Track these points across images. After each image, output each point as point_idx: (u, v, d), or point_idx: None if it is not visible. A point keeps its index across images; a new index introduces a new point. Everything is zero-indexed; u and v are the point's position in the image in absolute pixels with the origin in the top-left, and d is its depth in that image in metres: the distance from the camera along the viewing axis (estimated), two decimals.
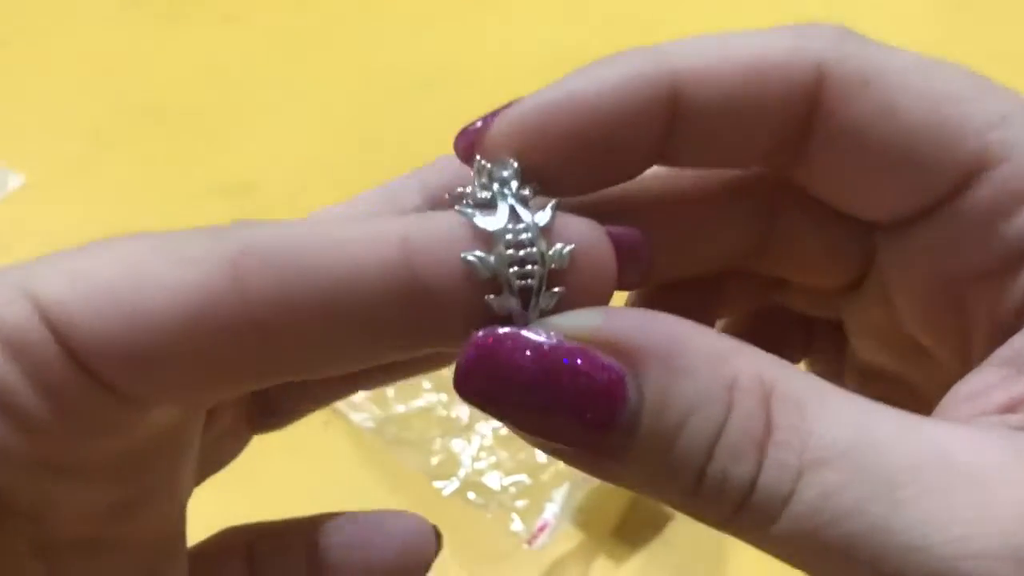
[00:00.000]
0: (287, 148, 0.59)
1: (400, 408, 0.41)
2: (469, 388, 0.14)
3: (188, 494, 0.20)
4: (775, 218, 0.19)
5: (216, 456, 0.21)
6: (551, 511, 0.37)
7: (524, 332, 0.14)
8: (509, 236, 0.15)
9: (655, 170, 0.18)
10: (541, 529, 0.37)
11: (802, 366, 0.22)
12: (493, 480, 0.38)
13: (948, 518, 0.13)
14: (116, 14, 0.71)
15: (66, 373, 0.14)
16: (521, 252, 0.15)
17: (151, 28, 0.71)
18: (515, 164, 0.16)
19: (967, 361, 0.17)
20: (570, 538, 0.37)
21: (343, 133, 0.60)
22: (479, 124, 0.17)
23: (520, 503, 0.38)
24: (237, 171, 0.56)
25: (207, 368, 0.15)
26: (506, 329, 0.14)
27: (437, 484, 0.38)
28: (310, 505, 0.31)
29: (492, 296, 0.15)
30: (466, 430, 0.40)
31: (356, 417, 0.41)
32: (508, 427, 0.15)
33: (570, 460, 0.15)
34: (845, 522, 0.13)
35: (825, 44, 0.16)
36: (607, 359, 0.14)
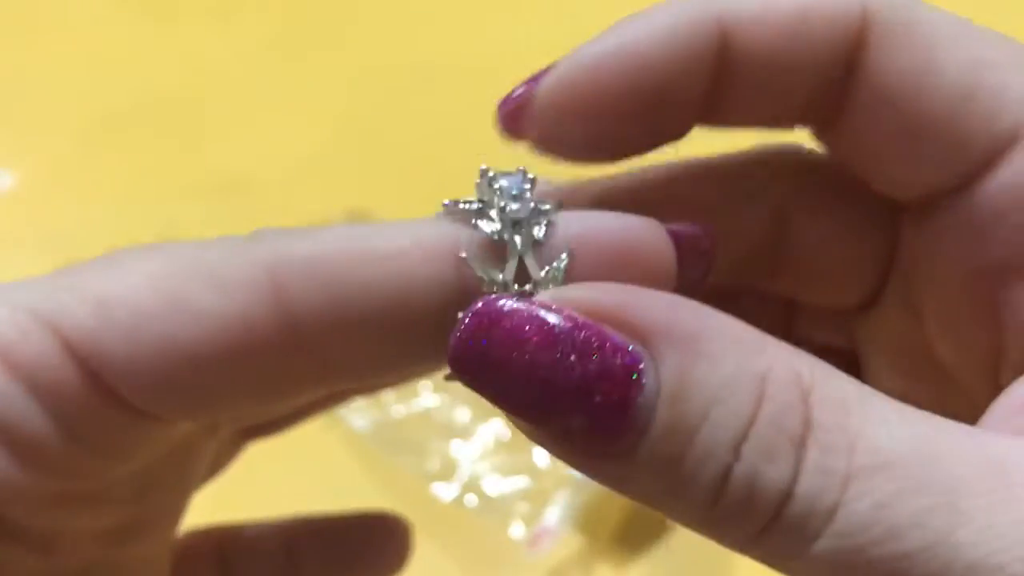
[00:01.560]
0: (281, 146, 0.59)
1: (398, 411, 0.41)
2: (462, 364, 0.13)
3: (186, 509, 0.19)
4: (786, 225, 0.17)
5: (211, 466, 0.20)
6: (552, 516, 0.37)
7: (529, 303, 0.12)
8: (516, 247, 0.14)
9: (657, 172, 0.18)
10: (542, 534, 0.37)
11: None
12: (493, 484, 0.38)
13: (1019, 534, 0.11)
14: (107, 12, 0.71)
15: (92, 408, 0.14)
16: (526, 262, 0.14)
17: (142, 26, 0.70)
18: (526, 173, 0.15)
19: (994, 377, 0.15)
20: (571, 543, 0.37)
21: (338, 131, 0.60)
22: (522, 89, 0.16)
23: (520, 507, 0.37)
24: (230, 169, 0.56)
25: (245, 391, 0.14)
26: (510, 300, 0.13)
27: (436, 488, 0.38)
28: (305, 510, 0.30)
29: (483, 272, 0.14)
30: (465, 433, 0.40)
31: (353, 420, 0.40)
32: (504, 413, 0.13)
33: (572, 459, 0.13)
34: (903, 538, 0.11)
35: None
36: (622, 338, 0.12)
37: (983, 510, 0.11)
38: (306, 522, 0.21)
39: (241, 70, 0.65)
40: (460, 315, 0.13)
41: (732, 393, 0.12)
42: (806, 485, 0.12)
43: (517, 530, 0.37)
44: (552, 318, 0.12)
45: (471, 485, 0.38)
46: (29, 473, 0.14)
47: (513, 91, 0.16)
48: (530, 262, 0.14)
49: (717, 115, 0.16)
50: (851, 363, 0.19)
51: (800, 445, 0.12)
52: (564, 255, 0.14)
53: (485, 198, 0.15)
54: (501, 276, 0.14)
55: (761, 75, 0.15)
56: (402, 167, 0.54)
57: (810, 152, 0.18)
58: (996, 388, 0.15)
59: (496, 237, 0.14)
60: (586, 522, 0.37)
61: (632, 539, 0.37)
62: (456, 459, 0.39)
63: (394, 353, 0.14)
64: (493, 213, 0.14)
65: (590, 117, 0.15)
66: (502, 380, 0.12)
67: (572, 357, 0.12)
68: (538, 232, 0.14)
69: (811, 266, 0.18)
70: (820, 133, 0.17)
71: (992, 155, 0.14)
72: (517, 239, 0.14)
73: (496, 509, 0.37)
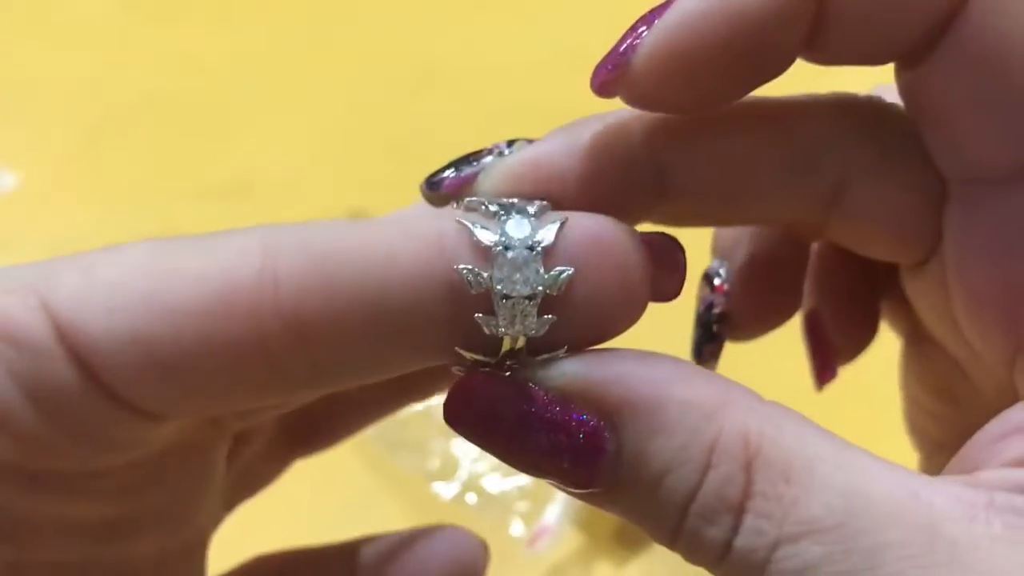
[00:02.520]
0: (284, 147, 0.59)
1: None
2: (456, 426, 0.14)
3: (213, 522, 0.18)
4: (843, 190, 0.17)
5: (249, 481, 0.20)
6: (552, 514, 0.37)
7: (502, 382, 0.14)
8: (511, 253, 0.14)
9: (719, 140, 0.17)
10: (541, 532, 0.37)
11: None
12: (493, 483, 0.38)
13: None
14: (109, 13, 0.71)
15: (68, 381, 0.14)
16: (517, 274, 0.14)
17: (144, 27, 0.70)
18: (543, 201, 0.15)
19: (1010, 370, 0.16)
20: (571, 541, 0.37)
21: (340, 132, 0.60)
22: (618, 55, 0.15)
23: (520, 506, 0.37)
24: (233, 170, 0.56)
25: (231, 371, 0.14)
26: (484, 376, 0.14)
27: (436, 487, 0.38)
28: (307, 510, 0.30)
29: (482, 315, 0.14)
30: None
31: None
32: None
33: (561, 490, 0.15)
34: None
35: None
36: (585, 412, 0.14)
37: (903, 574, 0.13)
38: (369, 542, 0.21)
39: (242, 71, 0.65)
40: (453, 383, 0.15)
41: (681, 464, 0.14)
42: (741, 544, 0.13)
43: (517, 528, 0.37)
44: (524, 400, 0.14)
45: (471, 484, 0.38)
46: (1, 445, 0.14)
47: (609, 55, 0.15)
48: (531, 271, 0.14)
49: (817, 51, 0.16)
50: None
51: (738, 511, 0.13)
52: (564, 271, 0.14)
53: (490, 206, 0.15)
54: (499, 287, 0.14)
55: (860, 19, 0.15)
56: (403, 168, 0.54)
57: (879, 106, 0.18)
58: (1010, 379, 0.16)
59: (496, 248, 0.14)
60: (586, 520, 0.37)
61: (631, 537, 0.37)
62: (456, 458, 0.39)
63: (383, 338, 0.14)
64: (493, 223, 0.15)
65: (692, 75, 0.15)
66: (486, 442, 0.14)
67: (542, 433, 0.14)
68: (542, 236, 0.14)
69: (864, 227, 0.18)
70: (905, 74, 0.17)
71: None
72: (515, 253, 0.14)
73: (496, 507, 0.37)
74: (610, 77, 0.15)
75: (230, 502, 0.19)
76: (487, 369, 0.15)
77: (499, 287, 0.14)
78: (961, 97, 0.15)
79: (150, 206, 0.53)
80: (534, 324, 0.14)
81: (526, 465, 0.14)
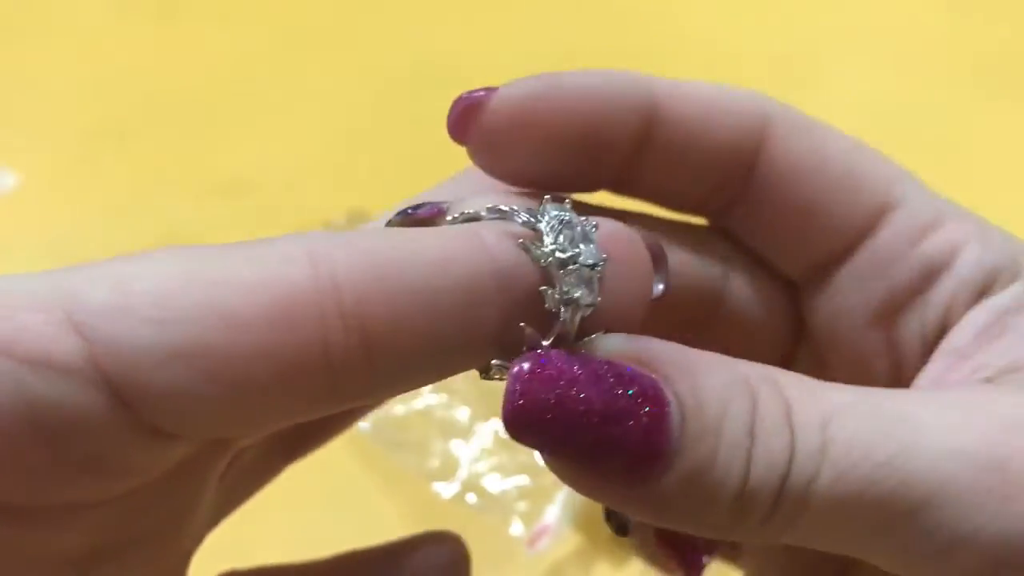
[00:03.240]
0: (286, 147, 0.59)
1: (399, 409, 0.41)
2: (521, 427, 0.14)
3: (197, 541, 0.18)
4: (727, 283, 0.20)
5: (236, 494, 0.19)
6: (552, 514, 0.37)
7: (570, 352, 0.14)
8: (564, 234, 0.15)
9: (627, 216, 0.18)
10: (542, 532, 0.37)
11: None
12: (493, 482, 0.38)
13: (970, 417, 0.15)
14: (111, 13, 0.71)
15: (91, 400, 0.13)
16: (581, 246, 0.15)
17: (145, 28, 0.70)
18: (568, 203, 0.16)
19: None
20: (570, 541, 0.37)
21: (340, 133, 0.60)
22: (478, 93, 0.17)
23: (520, 506, 0.37)
24: (235, 170, 0.56)
25: (291, 383, 0.13)
26: (558, 352, 0.14)
27: (436, 487, 0.38)
28: (306, 510, 0.30)
29: (546, 288, 0.15)
30: (466, 432, 0.40)
31: None
32: (555, 460, 0.15)
33: (617, 490, 0.15)
34: (875, 450, 0.14)
35: (769, 98, 0.18)
36: (645, 372, 0.15)
37: (933, 415, 0.15)
38: (355, 557, 0.21)
39: (243, 72, 0.65)
40: (516, 364, 0.14)
41: (733, 393, 0.15)
42: (800, 442, 0.15)
43: (517, 528, 0.37)
44: (595, 363, 0.14)
45: (471, 483, 0.38)
46: None
47: (469, 92, 0.17)
48: (588, 245, 0.15)
49: (635, 181, 0.18)
50: None
51: (787, 416, 0.15)
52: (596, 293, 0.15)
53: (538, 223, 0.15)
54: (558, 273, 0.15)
55: (680, 145, 0.17)
56: (404, 169, 0.55)
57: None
58: None
59: (551, 258, 0.15)
60: (585, 520, 0.37)
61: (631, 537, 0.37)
62: (456, 457, 0.39)
63: (439, 338, 0.14)
64: (548, 239, 0.15)
65: (532, 133, 0.16)
66: (563, 415, 0.14)
67: (617, 390, 0.14)
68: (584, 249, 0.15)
69: (738, 323, 0.20)
70: (719, 220, 0.19)
71: (873, 220, 0.18)
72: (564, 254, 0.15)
73: (496, 507, 0.37)
74: (467, 108, 0.17)
75: (215, 518, 0.19)
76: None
77: (565, 254, 0.15)
78: (778, 220, 0.18)
79: (150, 206, 0.53)
80: (596, 293, 0.15)
81: (601, 433, 0.14)
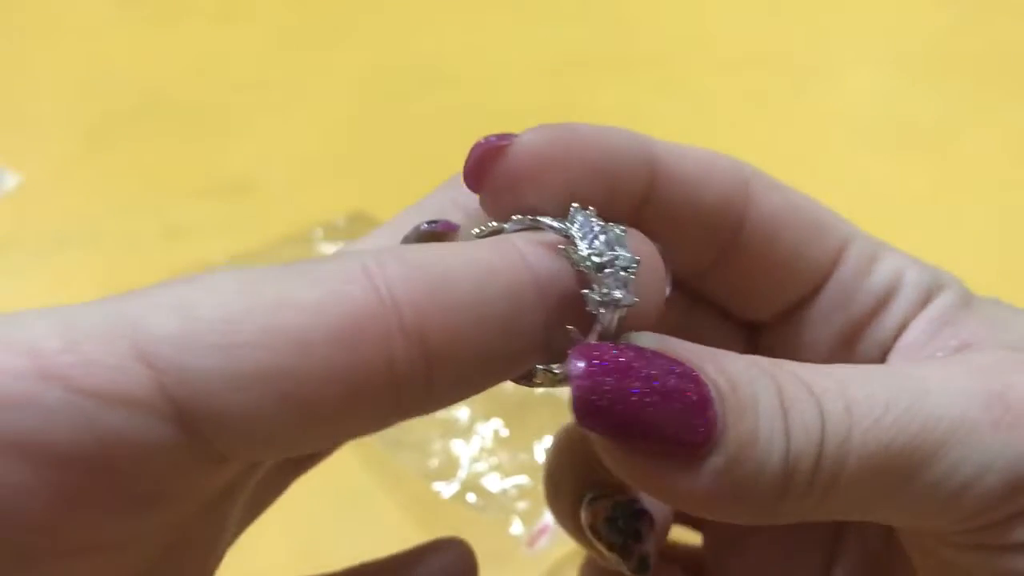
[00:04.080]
0: (284, 147, 0.59)
1: None
2: (591, 416, 0.15)
3: (221, 556, 0.17)
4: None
5: (259, 504, 0.19)
6: (551, 514, 0.37)
7: (621, 347, 0.15)
8: (596, 242, 0.15)
9: None
10: (541, 531, 0.37)
11: None
12: (493, 482, 0.38)
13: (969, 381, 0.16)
14: (112, 13, 0.71)
15: (161, 432, 0.12)
16: (616, 248, 0.16)
17: (147, 28, 0.70)
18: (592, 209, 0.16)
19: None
20: (570, 541, 0.37)
21: (340, 133, 0.60)
22: (496, 141, 0.17)
23: (520, 505, 0.37)
24: (234, 170, 0.56)
25: (357, 401, 0.13)
26: (611, 346, 0.15)
27: (436, 486, 0.38)
28: (307, 510, 0.30)
29: (588, 291, 0.15)
30: (466, 431, 0.40)
31: None
32: (617, 454, 0.15)
33: (664, 478, 0.15)
34: (893, 402, 0.16)
35: (744, 161, 0.20)
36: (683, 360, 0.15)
37: (928, 371, 0.17)
38: (365, 570, 0.21)
39: (244, 72, 0.65)
40: (573, 361, 0.15)
41: (756, 375, 0.16)
42: (827, 408, 0.16)
43: (517, 528, 0.37)
44: (641, 352, 0.15)
45: (471, 483, 0.38)
46: (25, 497, 0.12)
47: (486, 138, 0.17)
48: (623, 249, 0.16)
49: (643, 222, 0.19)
50: None
51: (809, 388, 0.16)
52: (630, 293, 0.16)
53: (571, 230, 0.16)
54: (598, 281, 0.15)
55: (680, 201, 0.18)
56: (404, 169, 0.55)
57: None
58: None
59: (588, 262, 0.15)
60: None
61: None
62: (457, 457, 0.39)
63: (490, 349, 0.14)
64: (583, 243, 0.16)
65: (551, 178, 0.17)
66: (626, 400, 0.15)
67: (666, 374, 0.15)
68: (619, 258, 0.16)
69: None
70: (700, 279, 0.21)
71: (835, 259, 0.20)
72: (601, 258, 0.16)
73: (496, 507, 0.37)
74: (490, 150, 0.16)
75: (236, 534, 0.18)
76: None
77: (602, 258, 0.15)
78: (759, 270, 0.20)
79: (152, 206, 0.53)
80: (633, 293, 0.15)
81: (657, 421, 0.15)
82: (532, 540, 0.36)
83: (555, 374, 0.15)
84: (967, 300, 0.20)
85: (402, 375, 0.14)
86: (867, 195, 0.52)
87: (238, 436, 0.13)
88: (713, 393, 0.15)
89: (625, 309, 0.15)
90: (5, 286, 0.48)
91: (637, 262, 0.15)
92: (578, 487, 0.21)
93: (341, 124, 0.60)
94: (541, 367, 0.15)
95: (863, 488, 0.16)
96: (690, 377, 0.15)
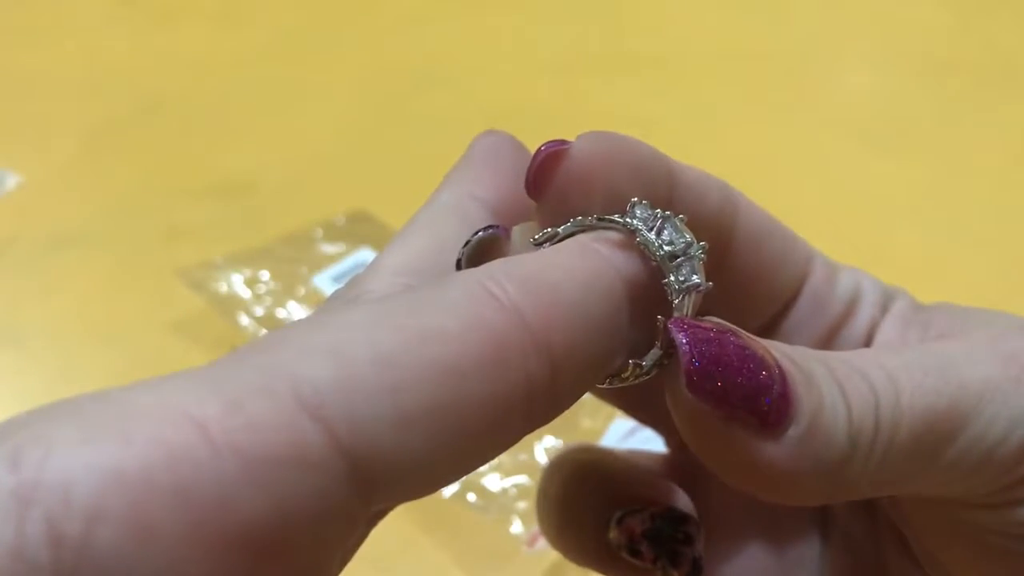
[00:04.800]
0: (284, 148, 0.59)
1: None
2: (703, 383, 0.15)
3: None
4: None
5: (347, 559, 0.17)
6: None
7: (706, 325, 0.16)
8: (664, 233, 0.16)
9: None
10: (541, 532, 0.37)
11: None
12: (493, 482, 0.38)
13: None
14: (112, 13, 0.71)
15: (338, 490, 0.11)
16: (685, 235, 0.16)
17: (147, 28, 0.70)
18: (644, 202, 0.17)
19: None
20: None
21: (340, 134, 0.60)
22: (558, 146, 0.17)
23: (520, 505, 0.37)
24: (234, 171, 0.56)
25: (502, 426, 0.13)
26: (709, 321, 0.16)
27: None
28: None
29: (666, 280, 0.16)
30: None
31: None
32: (707, 425, 0.15)
33: (752, 453, 0.15)
34: (928, 368, 0.17)
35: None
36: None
37: (951, 343, 0.17)
38: None
39: (244, 72, 0.65)
40: (679, 342, 0.15)
41: (804, 352, 0.17)
42: (874, 378, 0.16)
43: (517, 528, 0.37)
44: (721, 329, 0.16)
45: (471, 483, 0.38)
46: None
47: (547, 143, 0.17)
48: (693, 242, 0.16)
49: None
50: None
51: (851, 363, 0.17)
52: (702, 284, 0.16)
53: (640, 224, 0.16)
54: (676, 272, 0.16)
55: (689, 210, 0.19)
56: (404, 169, 0.55)
57: None
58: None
59: (661, 251, 0.16)
60: None
61: None
62: None
63: (598, 354, 0.15)
64: (653, 235, 0.16)
65: (605, 185, 0.17)
66: (729, 368, 0.15)
67: (748, 348, 0.16)
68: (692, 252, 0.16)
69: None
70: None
71: (807, 271, 0.21)
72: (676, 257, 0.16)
73: (496, 506, 0.37)
74: (552, 155, 0.17)
75: None
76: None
77: (674, 247, 0.16)
78: (742, 284, 0.20)
79: (152, 206, 0.53)
80: (704, 277, 0.16)
81: (756, 388, 0.15)
82: (532, 540, 0.36)
83: (642, 366, 0.16)
84: (920, 304, 0.21)
85: (537, 392, 0.13)
86: (866, 195, 0.52)
87: (404, 483, 0.12)
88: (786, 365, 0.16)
89: (701, 294, 0.16)
90: (5, 286, 0.48)
91: (704, 247, 0.16)
92: (605, 509, 0.20)
93: (341, 124, 0.61)
94: (632, 361, 0.16)
95: (912, 453, 0.16)
96: (762, 349, 0.16)
